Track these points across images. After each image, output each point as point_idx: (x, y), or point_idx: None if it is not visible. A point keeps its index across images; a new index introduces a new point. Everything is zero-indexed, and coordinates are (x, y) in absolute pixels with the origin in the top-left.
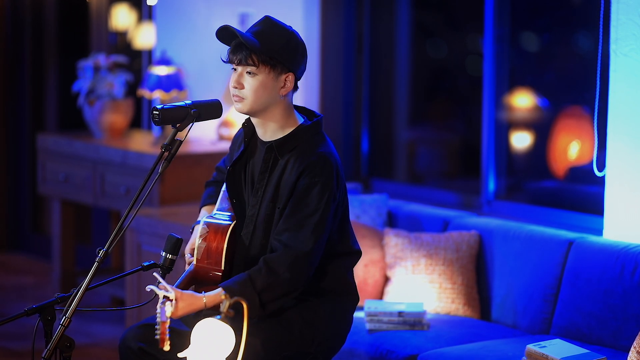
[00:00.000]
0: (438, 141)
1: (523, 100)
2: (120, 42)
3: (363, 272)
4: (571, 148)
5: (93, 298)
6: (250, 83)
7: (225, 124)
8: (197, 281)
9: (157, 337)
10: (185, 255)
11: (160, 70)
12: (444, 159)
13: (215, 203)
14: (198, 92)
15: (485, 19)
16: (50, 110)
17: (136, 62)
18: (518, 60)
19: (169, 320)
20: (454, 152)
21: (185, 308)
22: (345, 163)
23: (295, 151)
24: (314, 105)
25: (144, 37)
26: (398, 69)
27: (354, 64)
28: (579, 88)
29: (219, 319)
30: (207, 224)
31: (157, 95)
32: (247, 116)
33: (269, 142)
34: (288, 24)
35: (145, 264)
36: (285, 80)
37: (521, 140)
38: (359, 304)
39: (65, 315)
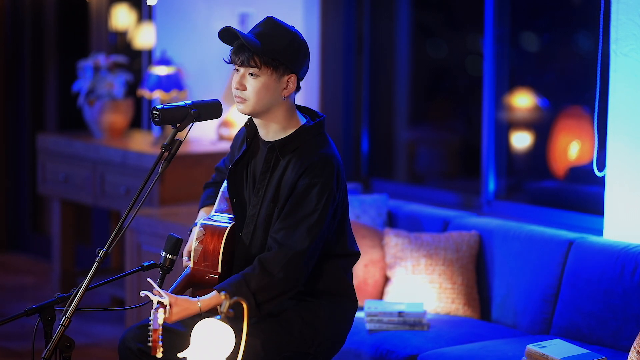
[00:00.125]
0: (438, 141)
1: (523, 100)
2: (120, 42)
3: (363, 272)
4: (571, 148)
5: (93, 298)
6: (252, 84)
7: (225, 124)
8: (194, 284)
9: (150, 344)
10: (183, 258)
11: (160, 70)
12: (444, 159)
13: (214, 204)
14: (198, 92)
15: (485, 19)
16: (50, 110)
17: (136, 62)
18: (518, 60)
19: (161, 328)
20: (454, 152)
21: (179, 313)
22: (345, 163)
23: (297, 152)
24: (314, 105)
25: (144, 37)
26: (398, 69)
27: (354, 64)
28: (579, 88)
29: (219, 319)
30: (204, 226)
31: (157, 95)
32: (249, 116)
33: (270, 142)
34: (290, 24)
35: (145, 264)
36: (288, 81)
37: (521, 140)
38: (359, 304)
39: (65, 315)
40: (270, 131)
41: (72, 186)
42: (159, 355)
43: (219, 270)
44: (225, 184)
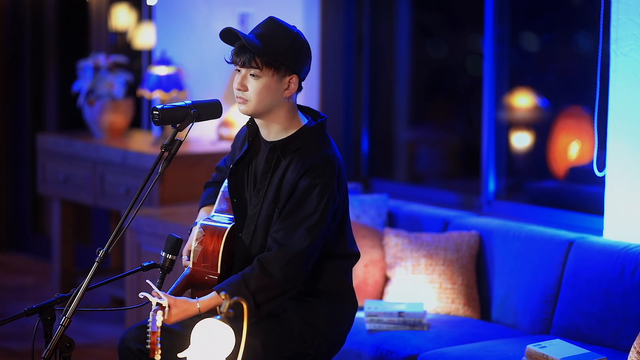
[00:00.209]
0: (438, 141)
1: (523, 100)
2: (120, 42)
3: (363, 272)
4: (571, 148)
5: (93, 298)
6: (254, 85)
7: (225, 124)
8: (193, 285)
9: (148, 347)
10: (182, 258)
11: (160, 70)
12: (444, 159)
13: (214, 204)
14: (198, 92)
15: (485, 19)
16: (50, 110)
17: (136, 62)
18: (518, 60)
19: (159, 331)
20: (454, 152)
21: (178, 314)
22: (345, 163)
23: (298, 152)
24: (314, 105)
25: (144, 37)
26: (398, 69)
27: (354, 64)
28: (579, 88)
29: (218, 319)
30: (204, 227)
31: (157, 95)
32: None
33: (272, 142)
34: (292, 24)
35: (145, 264)
36: (289, 82)
37: (521, 140)
38: (359, 304)
39: (65, 315)
40: (272, 131)
41: (72, 186)
42: (158, 357)
43: (219, 271)
44: (225, 183)
